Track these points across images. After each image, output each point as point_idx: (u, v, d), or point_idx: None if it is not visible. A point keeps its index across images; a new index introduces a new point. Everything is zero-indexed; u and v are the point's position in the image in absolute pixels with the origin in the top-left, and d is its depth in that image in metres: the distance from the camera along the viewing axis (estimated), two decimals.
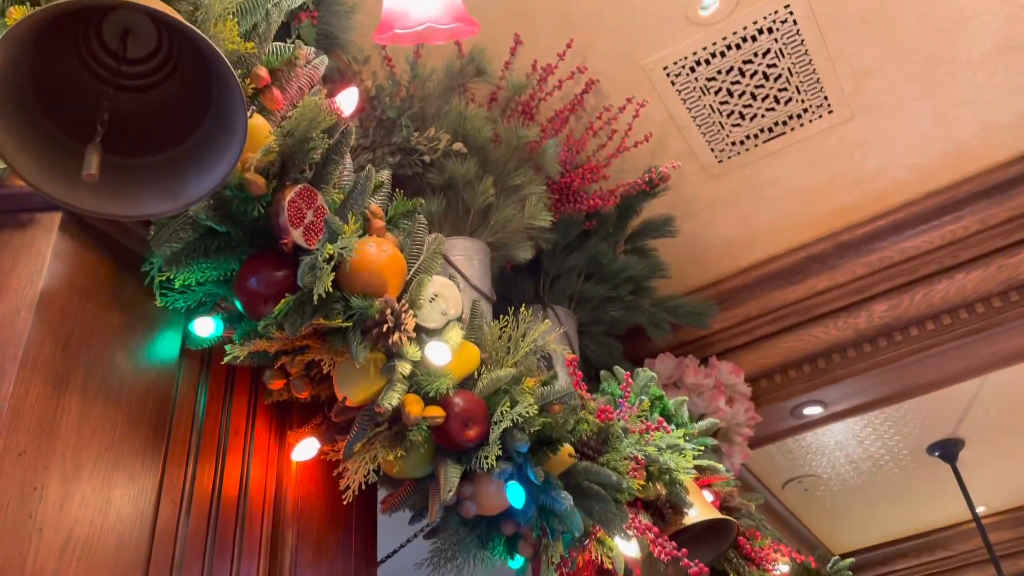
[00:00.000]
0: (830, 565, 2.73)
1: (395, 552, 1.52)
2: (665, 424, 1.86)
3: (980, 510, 4.49)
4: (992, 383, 3.93)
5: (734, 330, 3.40)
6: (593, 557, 1.64)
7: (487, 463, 1.26)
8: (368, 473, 1.22)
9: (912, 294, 3.06)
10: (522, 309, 1.47)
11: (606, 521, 1.51)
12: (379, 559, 1.58)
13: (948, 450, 4.42)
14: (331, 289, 1.12)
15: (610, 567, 1.66)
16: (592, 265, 2.64)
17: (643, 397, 2.00)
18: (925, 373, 3.19)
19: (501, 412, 1.27)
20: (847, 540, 5.29)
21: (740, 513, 2.20)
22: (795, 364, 3.37)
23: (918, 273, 3.02)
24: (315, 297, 1.08)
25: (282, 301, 1.09)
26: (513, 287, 2.56)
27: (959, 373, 3.26)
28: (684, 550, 1.59)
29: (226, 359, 1.16)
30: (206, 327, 1.22)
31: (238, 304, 1.16)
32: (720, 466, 2.12)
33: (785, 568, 2.15)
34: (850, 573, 2.74)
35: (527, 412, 1.26)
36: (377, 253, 1.16)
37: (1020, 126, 2.68)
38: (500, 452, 1.30)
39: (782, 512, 4.85)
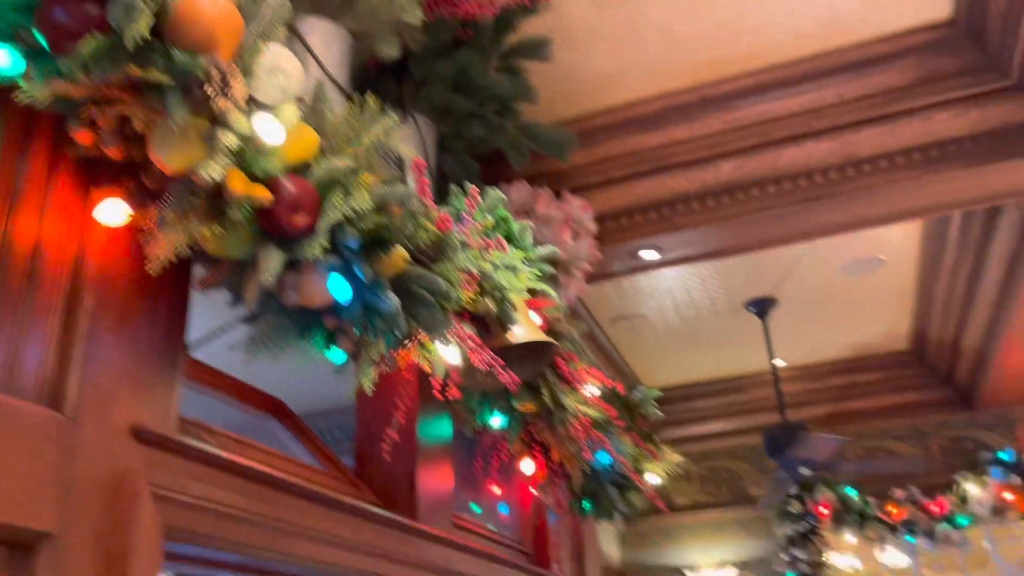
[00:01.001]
0: (637, 394, 2.95)
1: (210, 336, 1.48)
2: (505, 244, 1.87)
3: (778, 364, 4.98)
4: (814, 252, 4.25)
5: (591, 168, 3.44)
6: (414, 360, 1.68)
7: (313, 254, 1.22)
8: (181, 246, 1.15)
9: (761, 156, 3.18)
10: (370, 99, 1.38)
11: (430, 326, 1.53)
12: (193, 340, 1.54)
13: (762, 307, 4.81)
14: (150, 37, 0.99)
15: (429, 370, 1.70)
16: (461, 77, 2.53)
17: (488, 216, 1.99)
18: (758, 232, 3.39)
19: (333, 203, 1.22)
20: (660, 377, 5.76)
21: (564, 337, 2.31)
22: (641, 209, 3.47)
23: (770, 136, 3.13)
24: (129, 41, 0.95)
25: (89, 40, 0.96)
26: (374, 87, 2.42)
27: (788, 236, 3.48)
28: (500, 360, 1.65)
29: (21, 97, 1.02)
30: (0, 59, 1.07)
31: (39, 36, 1.02)
32: (552, 292, 2.19)
33: (596, 391, 2.31)
34: (654, 403, 2.97)
35: (360, 206, 1.22)
36: (208, 4, 1.03)
37: (900, 4, 2.73)
38: (328, 245, 1.26)
39: (606, 345, 5.18)
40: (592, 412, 2.21)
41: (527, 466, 2.28)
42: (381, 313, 1.39)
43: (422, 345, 1.62)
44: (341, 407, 2.42)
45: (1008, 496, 5.13)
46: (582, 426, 2.17)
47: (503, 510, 2.56)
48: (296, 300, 1.33)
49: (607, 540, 5.87)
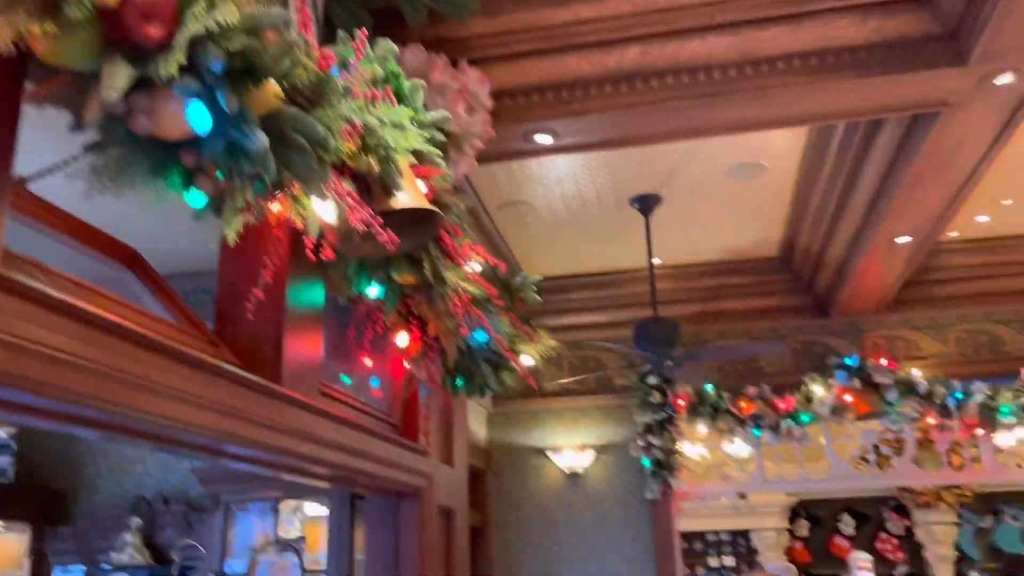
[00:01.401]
0: (518, 278, 2.92)
1: (52, 169, 1.29)
2: (393, 98, 1.73)
3: (655, 262, 5.09)
4: (701, 153, 4.29)
5: (492, 39, 3.27)
6: (286, 215, 1.55)
7: (168, 72, 1.06)
8: (5, 43, 0.96)
9: (664, 45, 3.11)
10: None
11: (305, 176, 1.40)
12: (33, 172, 1.34)
13: (647, 204, 4.86)
14: None
15: (302, 227, 1.58)
16: None
17: (377, 67, 1.83)
18: (653, 124, 3.36)
19: (194, 13, 1.05)
20: (540, 266, 5.78)
21: (449, 210, 2.22)
22: (540, 89, 3.36)
23: (676, 25, 3.05)
24: None
25: None
26: None
27: (681, 131, 3.47)
28: (380, 220, 1.55)
29: None
30: None
31: None
32: (440, 160, 2.08)
33: (478, 267, 2.25)
34: (534, 288, 2.95)
35: (226, 21, 1.06)
36: None
37: None
38: (187, 64, 1.10)
39: (491, 230, 5.13)
40: (472, 289, 2.16)
41: (401, 339, 2.22)
42: (247, 153, 1.25)
43: (295, 198, 1.49)
44: (209, 270, 2.26)
45: (848, 398, 5.55)
46: (461, 302, 2.12)
47: (374, 383, 2.51)
48: (148, 128, 1.17)
49: (475, 419, 6.01)
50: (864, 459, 6.74)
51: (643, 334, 4.57)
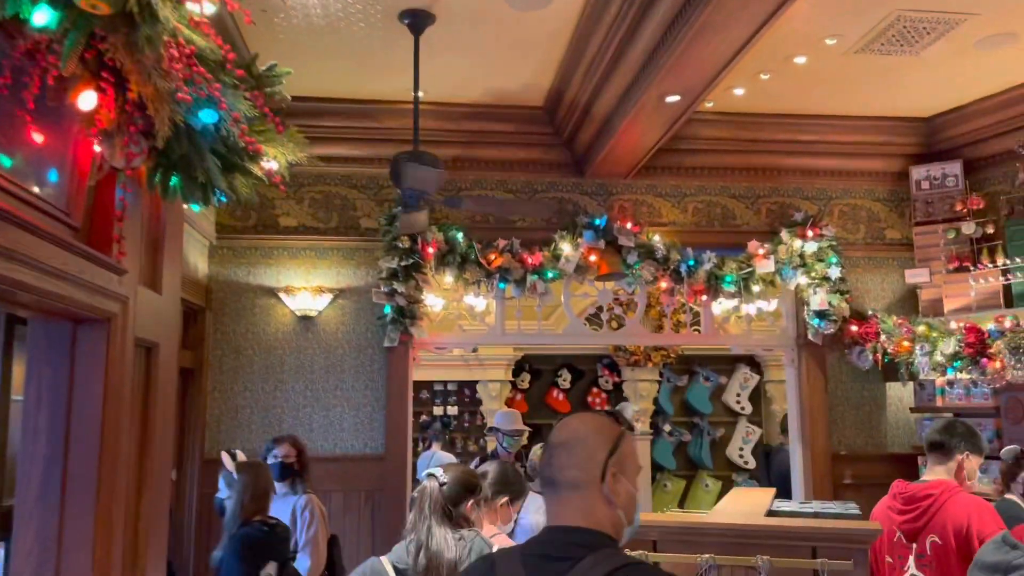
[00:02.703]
0: (265, 67, 2.29)
1: None
2: None
3: (420, 95, 4.57)
4: None
5: None
6: None
7: None
8: None
9: None
10: None
11: None
12: None
13: (418, 21, 4.27)
14: None
15: None
16: None
17: None
18: None
19: None
20: (289, 83, 5.00)
21: None
22: None
23: None
24: None
25: None
26: None
27: None
28: None
29: None
30: None
31: None
32: None
33: (211, 8, 1.62)
34: (281, 82, 2.35)
35: None
36: None
37: None
38: None
39: (232, 30, 4.25)
40: (200, 40, 1.53)
41: (86, 100, 1.54)
42: None
43: None
44: None
45: (592, 258, 5.57)
46: (181, 55, 1.49)
47: (52, 177, 1.81)
48: None
49: (194, 251, 5.23)
50: (596, 318, 6.99)
51: (402, 168, 4.09)
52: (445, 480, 2.36)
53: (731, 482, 9.44)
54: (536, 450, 4.44)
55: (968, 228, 5.40)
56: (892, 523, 3.05)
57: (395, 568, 2.25)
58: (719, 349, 9.08)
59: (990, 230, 5.37)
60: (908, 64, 4.92)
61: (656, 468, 9.43)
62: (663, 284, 5.63)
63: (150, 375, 2.17)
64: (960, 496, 3.03)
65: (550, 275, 5.53)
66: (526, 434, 5.72)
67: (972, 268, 5.32)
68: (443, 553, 2.25)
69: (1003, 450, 3.56)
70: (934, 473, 3.15)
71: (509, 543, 3.75)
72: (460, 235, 5.47)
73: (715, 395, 9.65)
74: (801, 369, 5.82)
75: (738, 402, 9.62)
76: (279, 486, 3.92)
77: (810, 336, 5.69)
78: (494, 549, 2.18)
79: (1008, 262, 5.11)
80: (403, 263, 5.30)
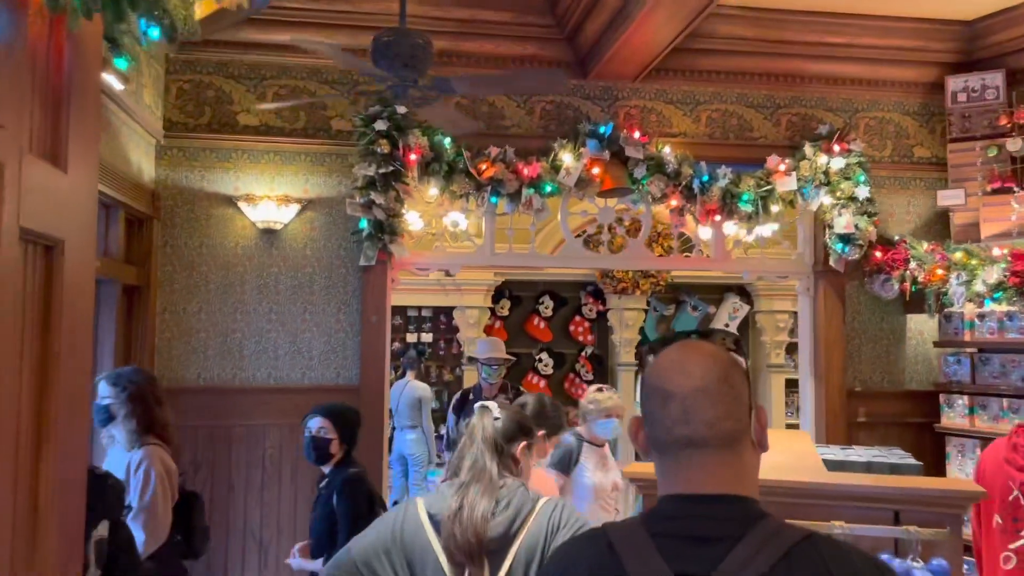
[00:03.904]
0: None
1: None
2: None
3: None
4: None
5: None
6: None
7: None
8: None
9: None
10: None
11: None
12: None
13: None
14: None
15: None
16: None
17: None
18: None
19: None
20: None
21: None
22: None
23: None
24: None
25: None
26: None
27: None
28: None
29: None
30: None
31: None
32: None
33: None
34: None
35: None
36: None
37: None
38: None
39: None
40: None
41: None
42: None
43: None
44: None
45: (595, 171, 4.94)
46: None
47: None
48: None
49: (138, 151, 4.48)
50: (595, 239, 6.40)
51: (385, 48, 3.40)
52: (499, 415, 2.15)
53: None
54: (594, 395, 4.07)
55: (1015, 145, 4.86)
56: (1010, 478, 2.56)
57: (430, 516, 2.00)
58: (709, 277, 8.61)
59: None
60: None
61: None
62: (673, 202, 5.03)
63: (51, 284, 1.53)
64: None
65: (548, 189, 4.89)
66: (506, 365, 5.22)
67: (1016, 189, 4.80)
68: (476, 507, 1.97)
69: None
70: None
71: (555, 491, 3.34)
72: (448, 141, 4.78)
73: (703, 325, 9.21)
74: (817, 299, 5.32)
75: None
76: (104, 432, 3.14)
77: (831, 262, 5.16)
78: (539, 504, 1.98)
79: None
80: (381, 171, 4.61)
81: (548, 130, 5.13)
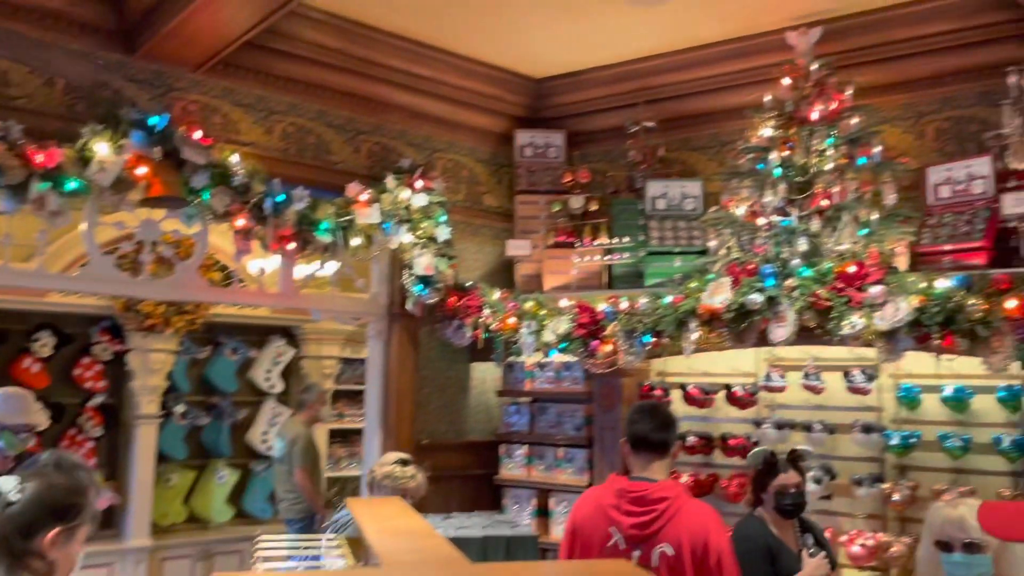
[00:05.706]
0: None
1: None
2: None
3: None
4: None
5: None
6: None
7: None
8: None
9: None
10: None
11: None
12: None
13: None
14: None
15: None
16: None
17: None
18: None
19: None
20: None
21: None
22: None
23: None
24: None
25: None
26: None
27: None
28: None
29: None
30: None
31: None
32: None
33: None
34: None
35: None
36: None
37: None
38: None
39: None
40: None
41: None
42: None
43: None
44: None
45: (141, 171, 3.83)
46: None
47: None
48: None
49: None
50: (129, 258, 5.10)
51: None
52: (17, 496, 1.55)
53: (250, 471, 8.17)
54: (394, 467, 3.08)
55: (577, 202, 5.10)
56: (613, 524, 2.54)
57: None
58: (253, 316, 7.76)
59: (594, 207, 5.13)
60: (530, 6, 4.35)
61: (162, 459, 7.62)
62: (240, 222, 4.17)
63: None
64: (693, 503, 2.56)
65: (72, 186, 3.64)
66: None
67: (577, 244, 5.02)
68: None
69: (750, 454, 3.08)
70: (652, 471, 2.60)
71: None
72: None
73: (241, 371, 8.24)
74: (391, 344, 4.91)
75: (267, 379, 8.35)
76: None
77: (408, 305, 4.80)
78: None
79: (611, 241, 4.91)
80: None
81: (75, 111, 3.89)
